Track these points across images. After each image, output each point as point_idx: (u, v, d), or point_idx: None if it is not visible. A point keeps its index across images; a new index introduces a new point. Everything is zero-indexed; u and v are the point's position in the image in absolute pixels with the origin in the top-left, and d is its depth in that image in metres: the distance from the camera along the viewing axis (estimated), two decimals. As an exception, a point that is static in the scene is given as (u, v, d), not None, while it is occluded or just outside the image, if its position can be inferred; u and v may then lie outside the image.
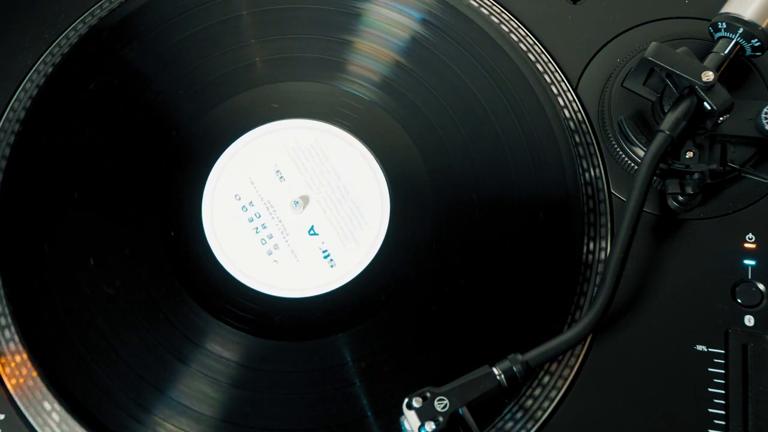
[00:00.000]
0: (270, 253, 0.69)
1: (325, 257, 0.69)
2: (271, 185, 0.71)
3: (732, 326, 0.64)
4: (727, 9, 0.68)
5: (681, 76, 0.65)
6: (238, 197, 0.71)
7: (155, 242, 0.68)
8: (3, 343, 0.64)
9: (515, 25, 0.76)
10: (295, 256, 0.69)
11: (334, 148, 0.72)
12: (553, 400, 0.63)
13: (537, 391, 0.63)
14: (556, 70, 0.74)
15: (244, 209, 0.70)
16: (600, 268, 0.67)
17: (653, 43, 0.67)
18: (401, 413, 0.58)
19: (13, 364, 0.64)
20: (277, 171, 0.72)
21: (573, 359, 0.64)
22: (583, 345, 0.65)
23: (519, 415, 0.63)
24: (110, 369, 0.64)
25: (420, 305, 0.66)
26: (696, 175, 0.66)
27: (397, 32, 0.75)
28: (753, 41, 0.67)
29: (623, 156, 0.70)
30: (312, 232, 0.70)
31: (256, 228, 0.70)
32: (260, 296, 0.67)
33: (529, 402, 0.63)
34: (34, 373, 0.63)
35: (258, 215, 0.70)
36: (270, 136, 0.73)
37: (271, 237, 0.69)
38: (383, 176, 0.71)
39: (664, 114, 0.67)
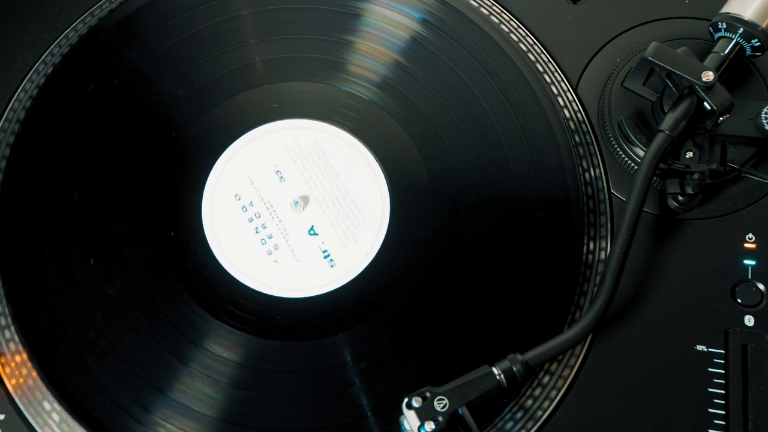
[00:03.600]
0: (270, 253, 0.69)
1: (325, 257, 0.69)
2: (271, 185, 0.71)
3: (732, 326, 0.64)
4: (727, 9, 0.68)
5: (681, 76, 0.65)
6: (238, 197, 0.71)
7: (155, 242, 0.68)
8: (3, 343, 0.64)
9: (515, 25, 0.76)
10: (295, 256, 0.69)
11: (334, 148, 0.72)
12: (553, 400, 0.63)
13: (537, 391, 0.63)
14: (556, 70, 0.74)
15: (244, 209, 0.70)
16: (600, 267, 0.67)
17: (653, 43, 0.67)
18: (401, 413, 0.58)
19: (13, 364, 0.64)
20: (277, 171, 0.72)
21: (573, 359, 0.64)
22: (583, 345, 0.65)
23: (519, 415, 0.63)
24: (110, 369, 0.64)
25: (420, 305, 0.66)
26: (696, 175, 0.66)
27: (397, 32, 0.75)
28: (753, 41, 0.67)
29: (623, 156, 0.70)
30: (312, 232, 0.70)
31: (256, 228, 0.70)
32: (260, 296, 0.67)
33: (529, 402, 0.63)
34: (34, 373, 0.63)
35: (258, 215, 0.70)
36: (270, 136, 0.73)
37: (271, 237, 0.69)
38: (383, 176, 0.71)
39: (664, 114, 0.67)
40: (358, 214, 0.70)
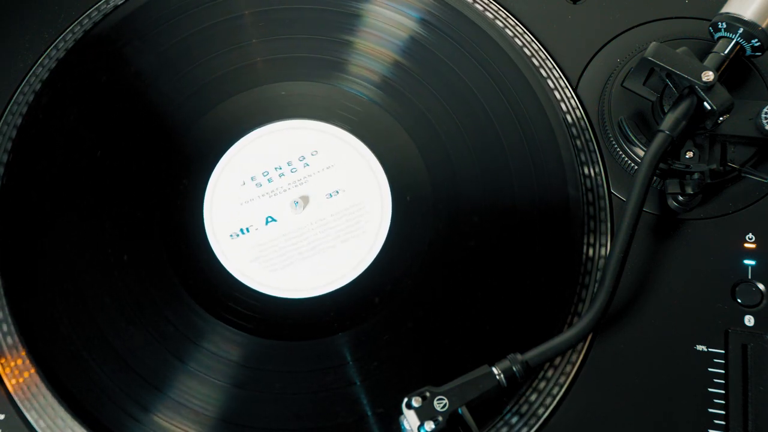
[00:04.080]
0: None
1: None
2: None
3: (732, 326, 0.64)
4: (727, 9, 0.68)
5: (681, 76, 0.65)
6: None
7: (155, 242, 0.68)
8: (3, 343, 0.64)
9: (515, 24, 0.76)
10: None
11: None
12: (553, 400, 0.63)
13: (537, 392, 0.63)
14: (556, 70, 0.74)
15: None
16: (600, 267, 0.67)
17: (653, 43, 0.67)
18: (401, 413, 0.58)
19: (13, 364, 0.64)
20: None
21: (573, 360, 0.64)
22: (584, 345, 0.65)
23: (519, 415, 0.63)
24: (110, 369, 0.64)
25: (420, 305, 0.66)
26: (696, 175, 0.66)
27: (397, 32, 0.75)
28: (753, 41, 0.67)
29: (623, 156, 0.70)
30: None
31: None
32: (260, 296, 0.67)
33: (530, 401, 0.63)
34: (34, 373, 0.63)
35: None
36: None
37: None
38: (383, 176, 0.71)
39: (664, 114, 0.67)
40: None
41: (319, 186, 0.71)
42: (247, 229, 0.70)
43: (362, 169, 0.71)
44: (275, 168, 0.72)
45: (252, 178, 0.71)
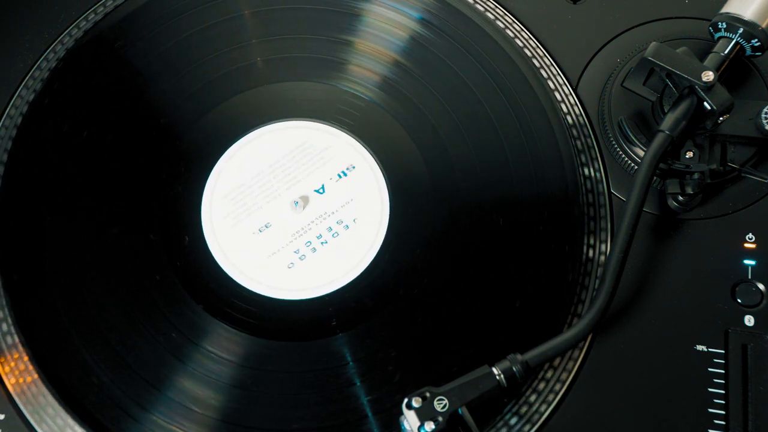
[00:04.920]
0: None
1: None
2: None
3: (732, 326, 0.64)
4: (727, 9, 0.68)
5: (681, 76, 0.65)
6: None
7: (155, 242, 0.68)
8: (3, 343, 0.64)
9: (515, 24, 0.76)
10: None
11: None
12: (553, 400, 0.63)
13: (536, 393, 0.63)
14: (556, 70, 0.74)
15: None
16: (600, 267, 0.67)
17: (653, 43, 0.67)
18: (401, 413, 0.58)
19: (13, 364, 0.64)
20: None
21: (573, 360, 0.64)
22: (583, 345, 0.65)
23: (519, 415, 0.63)
24: (110, 369, 0.63)
25: (419, 305, 0.66)
26: (696, 175, 0.66)
27: (397, 32, 0.75)
28: (753, 41, 0.67)
29: (623, 156, 0.70)
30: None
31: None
32: (260, 296, 0.67)
33: (529, 401, 0.63)
34: (35, 373, 0.63)
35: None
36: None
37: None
38: (383, 176, 0.71)
39: (664, 114, 0.67)
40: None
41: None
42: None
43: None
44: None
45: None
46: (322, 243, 0.69)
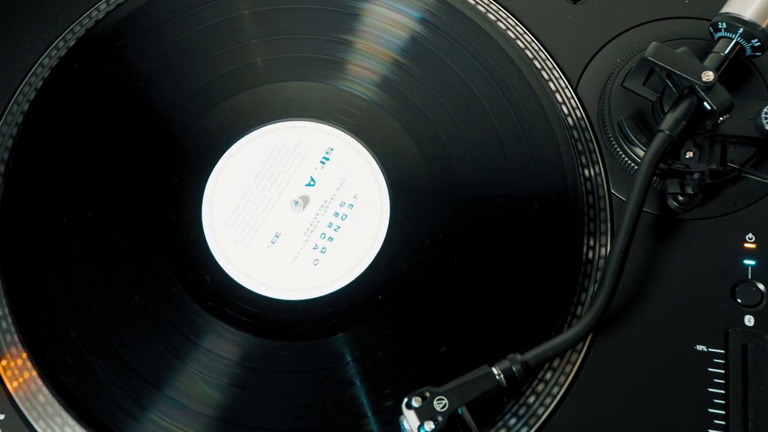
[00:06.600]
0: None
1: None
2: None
3: (732, 326, 0.64)
4: (727, 9, 0.68)
5: (681, 76, 0.65)
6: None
7: (155, 242, 0.68)
8: (3, 344, 0.64)
9: (515, 24, 0.76)
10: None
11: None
12: (552, 400, 0.63)
13: (536, 393, 0.63)
14: (556, 70, 0.74)
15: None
16: (600, 267, 0.67)
17: (653, 43, 0.67)
18: (401, 413, 0.58)
19: (13, 365, 0.64)
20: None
21: (573, 359, 0.64)
22: (583, 344, 0.65)
23: (518, 416, 0.63)
24: (110, 369, 0.63)
25: (419, 305, 0.66)
26: (696, 175, 0.66)
27: (397, 32, 0.75)
28: (753, 41, 0.67)
29: (623, 156, 0.70)
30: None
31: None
32: (260, 297, 0.67)
33: (529, 401, 0.63)
34: (35, 373, 0.63)
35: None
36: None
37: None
38: (383, 176, 0.71)
39: (664, 114, 0.67)
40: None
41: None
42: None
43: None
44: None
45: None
46: (335, 230, 0.69)
